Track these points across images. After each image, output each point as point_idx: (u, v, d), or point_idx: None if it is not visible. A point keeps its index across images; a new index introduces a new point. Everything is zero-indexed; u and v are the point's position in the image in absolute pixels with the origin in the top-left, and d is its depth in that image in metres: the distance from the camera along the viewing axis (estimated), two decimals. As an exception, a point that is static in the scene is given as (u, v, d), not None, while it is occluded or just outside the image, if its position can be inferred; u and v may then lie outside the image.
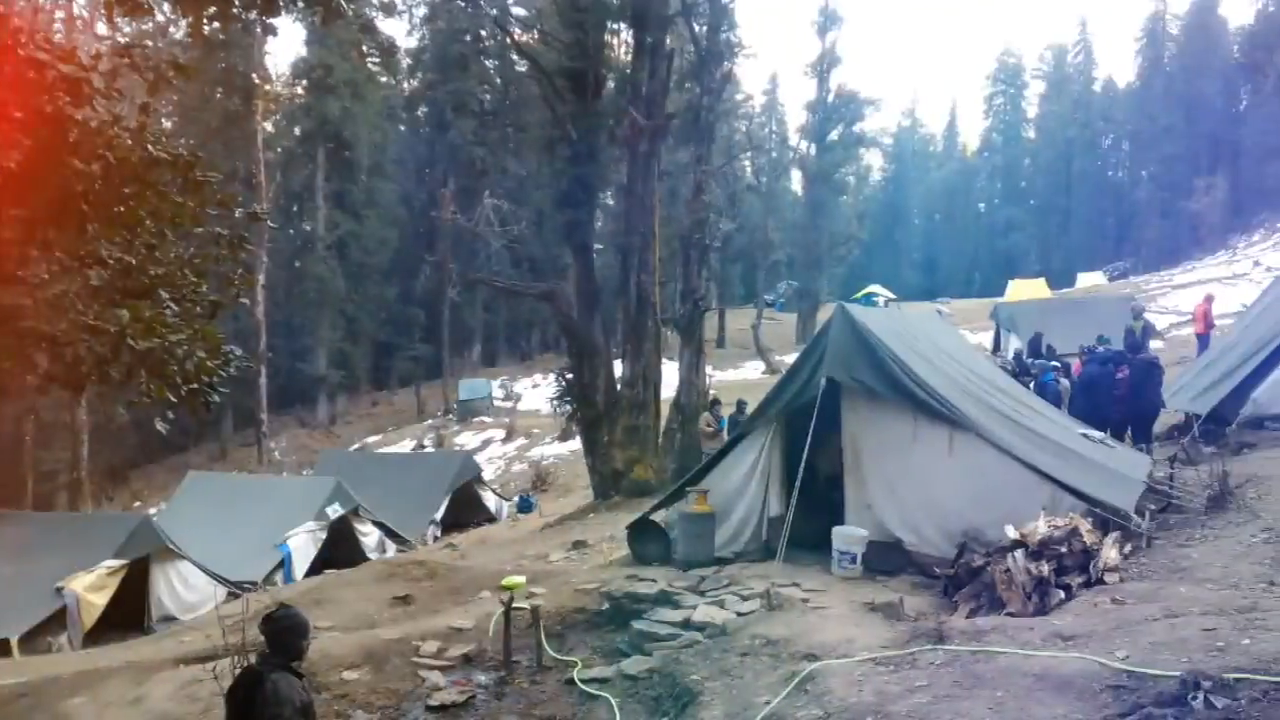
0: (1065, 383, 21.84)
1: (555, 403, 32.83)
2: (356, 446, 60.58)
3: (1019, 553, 10.90)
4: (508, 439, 54.54)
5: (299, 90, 75.00)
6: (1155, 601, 9.27)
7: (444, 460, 38.73)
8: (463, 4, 65.31)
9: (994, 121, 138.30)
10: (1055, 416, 17.00)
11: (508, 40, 47.80)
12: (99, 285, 9.86)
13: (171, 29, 52.96)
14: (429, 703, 11.23)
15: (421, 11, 78.75)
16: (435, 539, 31.83)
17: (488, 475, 41.25)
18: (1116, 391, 18.68)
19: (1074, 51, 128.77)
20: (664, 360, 30.50)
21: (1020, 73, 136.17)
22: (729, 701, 9.28)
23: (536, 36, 36.94)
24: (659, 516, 16.47)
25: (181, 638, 16.77)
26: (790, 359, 34.81)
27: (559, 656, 12.28)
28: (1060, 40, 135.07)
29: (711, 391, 29.67)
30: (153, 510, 38.42)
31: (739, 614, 11.82)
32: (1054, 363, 24.27)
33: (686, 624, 11.96)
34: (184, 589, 23.14)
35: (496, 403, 64.16)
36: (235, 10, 11.29)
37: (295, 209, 76.62)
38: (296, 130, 76.61)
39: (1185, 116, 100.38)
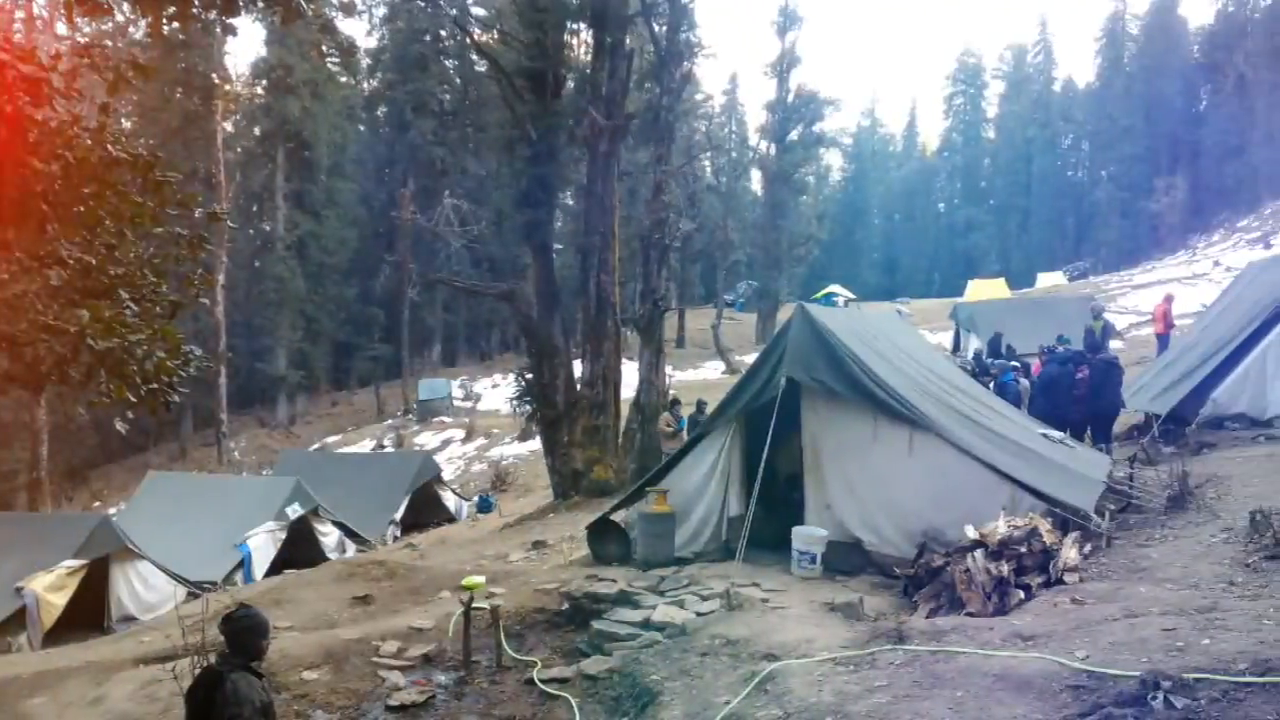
0: (1025, 383, 22.00)
1: (515, 403, 32.60)
2: (316, 446, 60.31)
3: (979, 553, 10.95)
4: (467, 439, 54.30)
5: (259, 90, 74.64)
6: (1115, 601, 9.33)
7: (403, 460, 38.62)
8: (422, 4, 64.88)
9: (954, 121, 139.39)
10: (1015, 416, 17.10)
11: (467, 40, 47.57)
12: (58, 285, 9.81)
13: (131, 29, 52.72)
14: (389, 703, 11.20)
15: (381, 11, 78.19)
16: (395, 539, 31.71)
17: (447, 475, 41.15)
18: (1076, 391, 18.78)
19: (1034, 51, 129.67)
20: (624, 360, 30.47)
21: (980, 73, 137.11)
22: (689, 701, 9.28)
23: (496, 36, 36.82)
24: (619, 516, 16.49)
25: (141, 638, 16.63)
26: (750, 359, 34.95)
27: (519, 656, 12.27)
28: (1020, 40, 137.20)
29: (671, 391, 29.74)
30: (112, 510, 38.30)
31: (699, 614, 11.83)
32: (1014, 363, 24.48)
33: (646, 624, 11.96)
34: (144, 589, 22.99)
35: (456, 403, 63.97)
36: (195, 10, 11.20)
37: (255, 209, 76.14)
38: (256, 130, 76.41)
39: (1145, 117, 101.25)
